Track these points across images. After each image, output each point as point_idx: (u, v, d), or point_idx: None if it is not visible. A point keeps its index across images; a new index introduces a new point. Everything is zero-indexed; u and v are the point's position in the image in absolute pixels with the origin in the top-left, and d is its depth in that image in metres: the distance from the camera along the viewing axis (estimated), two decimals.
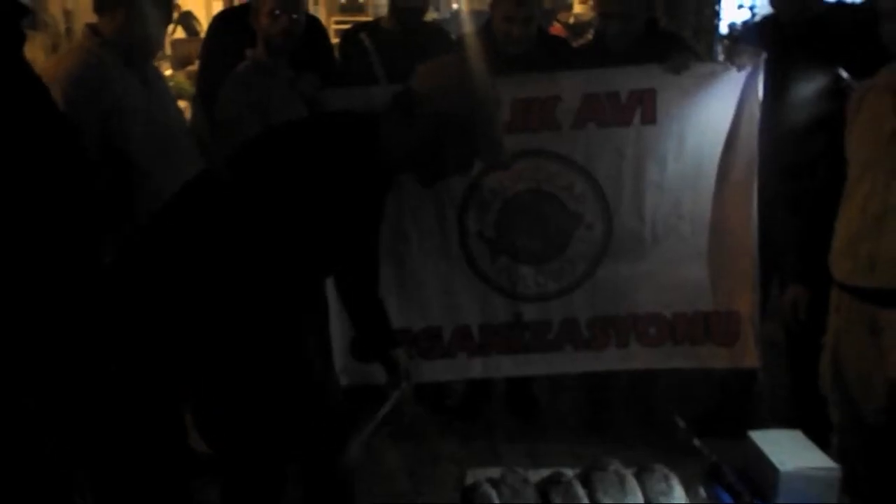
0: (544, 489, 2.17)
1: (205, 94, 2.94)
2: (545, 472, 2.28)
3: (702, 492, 2.17)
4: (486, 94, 1.73)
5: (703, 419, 2.33)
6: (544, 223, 2.75)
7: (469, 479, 2.23)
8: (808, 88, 2.69)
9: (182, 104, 3.50)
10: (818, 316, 2.56)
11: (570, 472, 2.25)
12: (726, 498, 2.07)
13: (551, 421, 3.31)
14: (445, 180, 2.68)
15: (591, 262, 2.75)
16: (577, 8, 11.14)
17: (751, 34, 3.30)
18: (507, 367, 2.92)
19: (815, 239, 2.44)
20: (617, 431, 3.04)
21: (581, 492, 2.12)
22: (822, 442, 2.21)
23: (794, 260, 2.71)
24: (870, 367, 2.32)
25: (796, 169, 2.62)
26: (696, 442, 2.25)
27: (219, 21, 3.32)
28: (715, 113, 2.64)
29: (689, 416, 2.33)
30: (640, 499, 2.11)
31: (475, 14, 6.42)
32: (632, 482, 2.16)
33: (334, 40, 3.58)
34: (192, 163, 2.65)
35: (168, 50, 5.75)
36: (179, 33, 6.53)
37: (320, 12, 9.46)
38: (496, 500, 2.11)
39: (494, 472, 2.23)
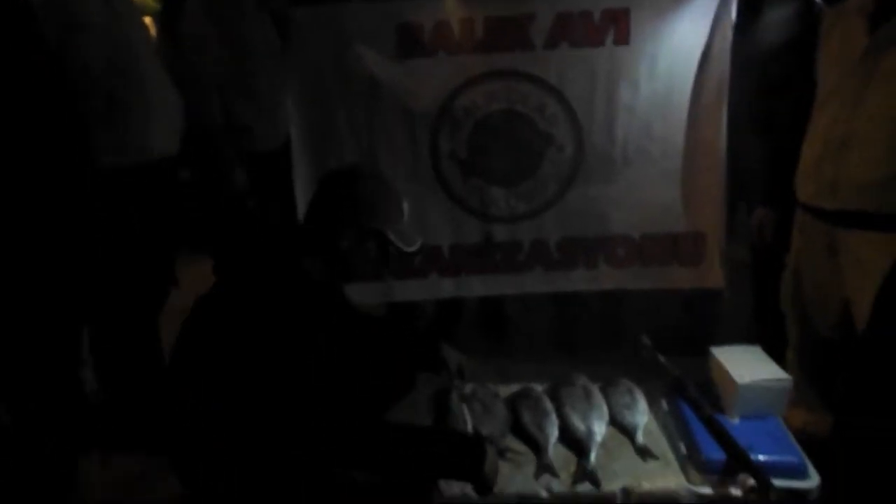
0: (513, 403, 2.25)
1: (170, 9, 2.84)
2: (515, 388, 2.35)
3: (664, 404, 2.27)
4: None
5: (669, 338, 2.40)
6: (516, 144, 2.75)
7: (440, 396, 2.29)
8: (780, 10, 2.68)
9: (147, 20, 3.37)
10: (783, 238, 2.63)
11: (538, 388, 2.33)
12: (687, 410, 2.15)
13: (522, 340, 3.39)
14: (418, 102, 2.70)
15: (562, 183, 2.76)
16: None
17: None
18: (477, 286, 2.95)
19: (783, 162, 2.48)
20: (585, 350, 3.12)
21: (549, 405, 2.20)
22: (779, 357, 2.31)
23: (762, 182, 2.76)
24: (827, 285, 2.40)
25: (767, 91, 2.64)
26: (661, 359, 2.33)
27: None
28: (688, 34, 2.62)
29: (655, 335, 2.41)
30: (605, 411, 2.20)
31: None
32: (597, 395, 2.24)
33: None
34: (157, 84, 2.60)
35: None
36: None
37: None
38: (467, 414, 2.18)
39: (466, 388, 2.29)
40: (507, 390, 2.35)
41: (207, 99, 2.93)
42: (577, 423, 2.12)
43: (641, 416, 2.18)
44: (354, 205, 1.81)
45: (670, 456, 2.07)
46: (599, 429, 2.12)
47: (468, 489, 1.81)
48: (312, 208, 1.89)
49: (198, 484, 1.76)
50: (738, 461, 1.92)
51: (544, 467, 2.01)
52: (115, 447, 2.64)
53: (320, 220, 1.85)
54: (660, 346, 2.38)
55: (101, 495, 2.49)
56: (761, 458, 1.94)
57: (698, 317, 3.06)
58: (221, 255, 3.15)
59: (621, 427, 2.17)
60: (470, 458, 1.74)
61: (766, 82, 2.64)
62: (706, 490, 1.94)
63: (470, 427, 2.13)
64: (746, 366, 2.16)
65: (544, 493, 1.94)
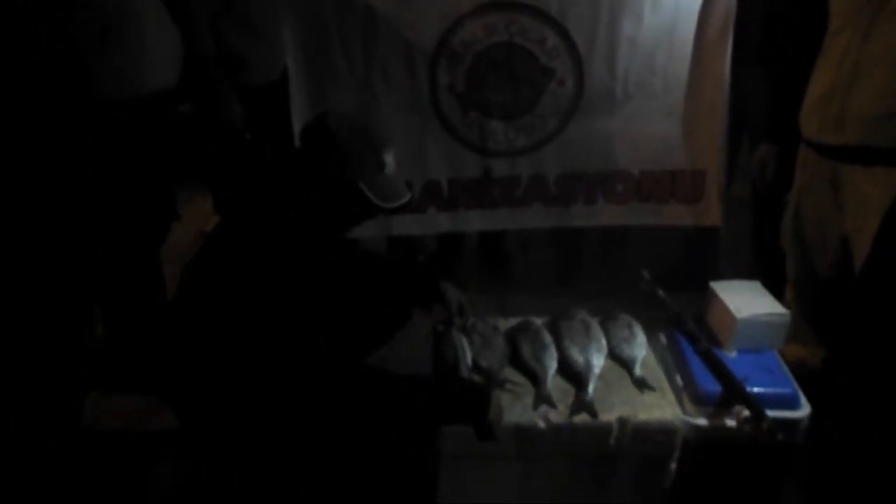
0: (512, 336, 2.26)
1: None
2: (514, 322, 2.36)
3: (662, 338, 2.29)
4: None
5: (669, 274, 2.40)
6: (516, 77, 2.70)
7: (439, 330, 2.30)
8: None
9: None
10: (785, 175, 2.62)
11: (538, 321, 2.34)
12: (685, 343, 2.17)
13: (522, 275, 3.40)
14: (417, 34, 2.64)
15: (562, 117, 2.73)
16: None
17: None
18: (475, 221, 2.93)
19: (788, 97, 2.45)
20: (585, 284, 3.13)
21: (548, 338, 2.21)
22: (778, 294, 2.32)
23: (766, 118, 2.73)
24: (827, 222, 2.40)
25: (774, 25, 2.59)
26: (661, 293, 2.34)
27: None
28: None
29: (655, 271, 2.41)
30: (604, 344, 2.21)
31: None
32: (596, 329, 2.25)
33: None
34: (152, 16, 2.54)
35: None
36: None
37: None
38: (466, 347, 2.20)
39: (465, 322, 2.29)
40: (506, 324, 2.37)
41: (202, 30, 2.87)
42: (576, 356, 2.14)
43: (640, 349, 2.20)
44: (327, 155, 1.77)
45: (667, 388, 2.10)
46: (598, 361, 2.13)
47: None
48: (292, 157, 1.86)
49: (196, 418, 1.79)
50: (733, 393, 1.94)
51: (542, 398, 2.03)
52: (116, 386, 2.67)
53: (298, 170, 1.82)
54: (660, 281, 2.38)
55: (103, 426, 2.53)
56: (756, 389, 1.96)
57: (698, 253, 3.06)
58: (220, 191, 3.14)
59: (619, 360, 2.19)
60: (474, 404, 1.77)
61: (773, 15, 2.59)
62: (701, 421, 1.97)
63: (469, 360, 2.14)
64: (745, 300, 2.16)
65: (542, 424, 1.97)
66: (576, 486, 2.05)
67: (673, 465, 1.99)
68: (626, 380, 2.13)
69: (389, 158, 1.84)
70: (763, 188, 2.83)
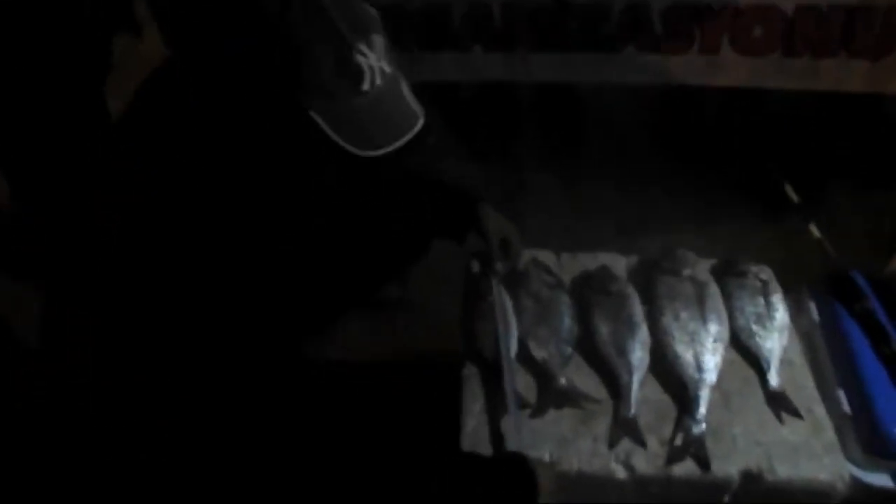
0: (583, 296, 1.51)
1: None
2: (582, 263, 1.59)
3: (814, 311, 1.50)
4: None
5: (820, 176, 1.55)
6: None
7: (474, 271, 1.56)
8: None
9: None
10: None
11: (622, 268, 1.57)
12: (855, 330, 1.39)
13: (596, 149, 2.48)
14: None
15: None
16: None
17: None
18: (539, 69, 2.07)
19: None
20: (684, 182, 2.25)
21: (638, 309, 1.46)
22: None
23: None
24: None
25: None
26: (814, 229, 1.51)
27: None
28: None
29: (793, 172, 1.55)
30: (725, 320, 1.45)
31: None
32: (715, 296, 1.48)
33: None
34: None
35: None
36: None
37: None
38: (510, 315, 1.47)
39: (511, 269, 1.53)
40: (572, 265, 1.59)
41: None
42: (681, 349, 1.38)
43: (778, 335, 1.42)
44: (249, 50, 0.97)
45: (819, 410, 1.34)
46: (715, 360, 1.38)
47: None
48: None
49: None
50: None
51: (624, 427, 1.31)
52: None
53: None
54: (802, 191, 1.54)
55: None
56: None
57: (869, 145, 2.11)
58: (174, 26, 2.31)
59: (745, 352, 1.43)
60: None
61: None
62: (883, 481, 1.25)
63: (514, 344, 1.40)
64: None
65: (621, 474, 1.26)
66: None
67: None
68: (755, 390, 1.38)
69: (373, 59, 0.98)
70: None
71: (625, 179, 2.23)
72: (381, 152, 0.99)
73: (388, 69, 1.00)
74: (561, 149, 2.44)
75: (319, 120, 0.96)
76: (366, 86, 0.97)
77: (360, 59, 0.97)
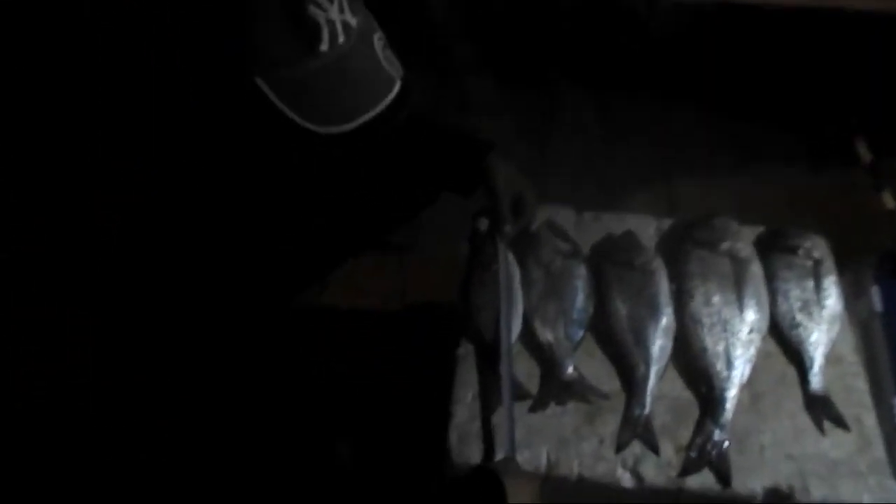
0: (600, 267, 1.32)
1: None
2: (609, 223, 1.40)
3: (876, 299, 1.28)
4: None
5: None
6: None
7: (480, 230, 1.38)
8: None
9: None
10: None
11: (651, 235, 1.37)
12: None
13: (636, 71, 2.17)
14: None
15: None
16: None
17: None
18: None
19: None
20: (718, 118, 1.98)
21: (664, 286, 1.27)
22: None
23: None
24: None
25: None
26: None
27: None
28: None
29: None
30: (766, 305, 1.25)
31: None
32: (754, 271, 1.28)
33: None
34: None
35: None
36: None
37: None
38: (517, 287, 1.30)
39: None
40: (595, 229, 1.39)
41: None
42: (710, 340, 1.19)
43: (827, 326, 1.22)
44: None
45: (870, 423, 1.15)
46: (748, 354, 1.18)
47: None
48: None
49: None
50: None
51: (634, 427, 1.14)
52: None
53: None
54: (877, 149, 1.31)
55: None
56: None
57: None
58: None
59: (784, 343, 1.23)
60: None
61: None
62: None
63: (518, 323, 1.23)
64: None
65: (628, 482, 1.10)
66: None
67: None
68: (794, 391, 1.18)
69: (333, 11, 0.80)
70: None
71: (665, 108, 1.98)
72: (347, 127, 0.82)
73: (353, 22, 0.81)
74: (598, 68, 2.16)
75: (269, 92, 0.78)
76: (324, 46, 0.79)
77: (314, 11, 0.78)
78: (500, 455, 1.09)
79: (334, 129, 0.81)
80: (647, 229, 1.39)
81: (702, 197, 1.85)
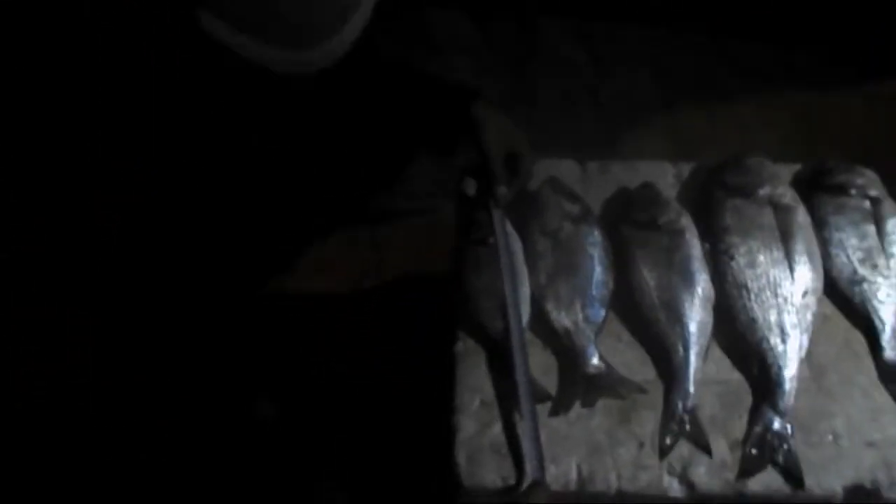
0: (618, 238, 1.11)
1: None
2: (619, 174, 1.19)
3: None
4: None
5: None
6: None
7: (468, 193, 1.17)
8: None
9: None
10: None
11: (672, 175, 1.17)
12: None
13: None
14: None
15: None
16: None
17: None
18: None
19: None
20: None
21: (696, 249, 1.07)
22: None
23: None
24: None
25: None
26: None
27: None
28: None
29: None
30: (819, 264, 1.05)
31: None
32: (803, 225, 1.08)
33: None
34: None
35: None
36: None
37: None
38: (519, 259, 1.08)
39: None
40: (603, 183, 1.18)
41: None
42: (758, 309, 0.99)
43: None
44: None
45: None
46: (806, 322, 0.99)
47: None
48: None
49: None
50: None
51: (678, 423, 0.94)
52: None
53: None
54: None
55: None
56: None
57: None
58: None
59: (846, 306, 1.03)
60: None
61: None
62: None
63: (526, 309, 1.02)
64: None
65: (676, 492, 0.91)
66: None
67: None
68: (859, 358, 0.99)
69: None
70: None
71: (651, 34, 1.76)
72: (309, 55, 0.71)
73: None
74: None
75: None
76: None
77: None
78: (526, 480, 0.89)
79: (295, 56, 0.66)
80: (665, 177, 1.18)
81: (709, 127, 1.65)
